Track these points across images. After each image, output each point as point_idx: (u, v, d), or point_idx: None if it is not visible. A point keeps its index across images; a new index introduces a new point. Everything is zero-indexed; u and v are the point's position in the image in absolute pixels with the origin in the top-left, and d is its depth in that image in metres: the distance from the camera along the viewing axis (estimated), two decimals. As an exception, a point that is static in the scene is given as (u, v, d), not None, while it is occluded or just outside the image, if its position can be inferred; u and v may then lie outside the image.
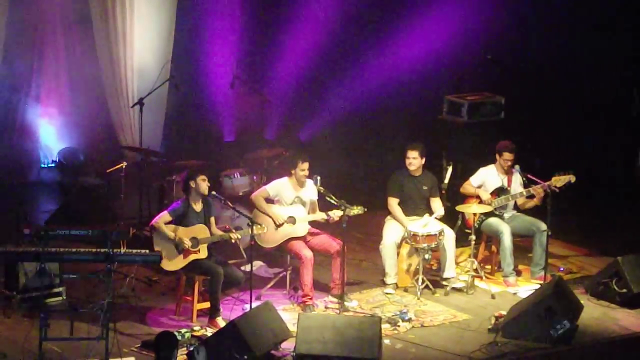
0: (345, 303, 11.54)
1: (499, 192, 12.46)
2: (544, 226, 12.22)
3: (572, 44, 15.27)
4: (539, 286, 11.71)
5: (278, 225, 11.67)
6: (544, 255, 12.27)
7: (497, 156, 12.50)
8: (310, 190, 11.89)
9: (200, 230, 11.16)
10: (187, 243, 11.00)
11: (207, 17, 15.30)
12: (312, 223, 11.90)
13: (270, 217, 11.70)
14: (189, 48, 15.18)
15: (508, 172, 12.52)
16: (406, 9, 15.71)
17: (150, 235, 11.16)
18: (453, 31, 15.47)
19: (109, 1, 14.34)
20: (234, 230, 11.42)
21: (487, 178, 12.53)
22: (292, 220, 11.74)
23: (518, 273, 12.55)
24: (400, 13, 15.75)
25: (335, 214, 11.67)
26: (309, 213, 11.87)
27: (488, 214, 12.37)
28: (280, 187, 11.86)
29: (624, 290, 11.76)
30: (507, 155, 12.41)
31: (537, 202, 12.38)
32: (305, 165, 11.75)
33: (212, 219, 11.35)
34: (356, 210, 11.69)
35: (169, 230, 11.03)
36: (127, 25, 14.49)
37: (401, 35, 15.71)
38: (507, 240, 12.25)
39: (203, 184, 11.16)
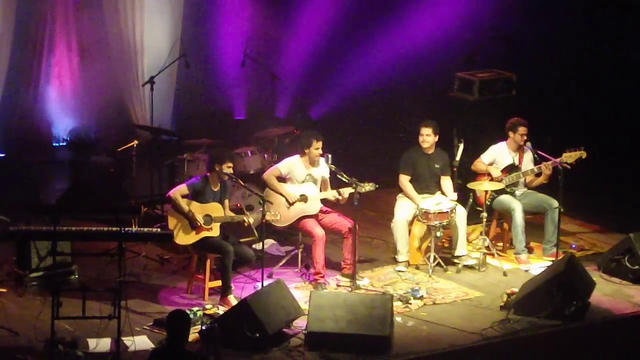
0: (357, 281, 11.54)
1: (510, 169, 12.44)
2: (555, 203, 12.20)
3: (583, 18, 15.18)
4: (551, 263, 11.68)
5: (290, 204, 11.66)
6: (555, 232, 12.25)
7: (512, 133, 12.45)
8: (322, 168, 11.88)
9: (214, 208, 11.16)
10: (200, 220, 11.01)
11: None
12: (324, 202, 11.89)
13: (282, 196, 11.68)
14: (199, 26, 15.14)
15: (519, 149, 12.48)
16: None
17: (165, 209, 11.15)
18: (464, 7, 15.39)
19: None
20: (246, 212, 11.41)
21: (498, 155, 12.51)
22: (304, 198, 11.73)
23: (530, 250, 12.54)
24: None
25: (346, 192, 11.66)
26: (320, 191, 11.86)
27: (499, 192, 12.35)
28: (292, 165, 11.85)
29: (636, 267, 11.75)
30: (523, 130, 12.39)
31: (544, 180, 12.36)
32: (320, 144, 11.75)
33: (227, 202, 11.35)
34: (368, 187, 11.67)
35: (184, 204, 11.04)
36: (137, 3, 14.46)
37: (412, 12, 15.64)
38: (518, 218, 12.23)
39: (228, 170, 11.16)
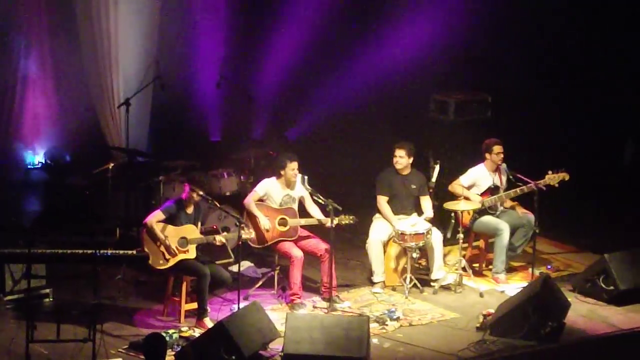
0: (337, 305, 11.54)
1: (493, 191, 12.46)
2: (530, 220, 12.27)
3: (559, 40, 15.29)
4: (527, 284, 11.71)
5: (265, 230, 11.67)
6: (521, 247, 12.40)
7: (487, 154, 12.48)
8: (299, 188, 11.89)
9: (189, 230, 11.15)
10: (174, 250, 10.99)
11: (192, 16, 15.24)
12: (304, 225, 11.90)
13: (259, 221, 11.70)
14: (174, 48, 15.11)
15: (498, 170, 12.51)
16: (391, 7, 15.69)
17: (141, 233, 11.13)
18: (438, 29, 15.45)
19: (93, 2, 14.28)
20: (220, 231, 11.40)
21: (478, 179, 12.49)
22: (283, 222, 11.73)
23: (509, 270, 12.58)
24: (385, 12, 15.74)
25: (328, 222, 11.58)
26: (306, 206, 11.84)
27: (481, 213, 12.38)
28: (269, 186, 11.85)
29: (611, 288, 11.78)
30: (498, 148, 12.43)
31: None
32: (294, 164, 11.76)
33: (199, 225, 11.34)
34: (346, 220, 11.69)
35: (158, 230, 11.01)
36: (112, 25, 14.43)
37: (387, 34, 15.70)
38: (505, 238, 12.27)
39: (195, 195, 11.16)
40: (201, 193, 11.12)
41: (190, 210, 11.23)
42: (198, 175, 11.57)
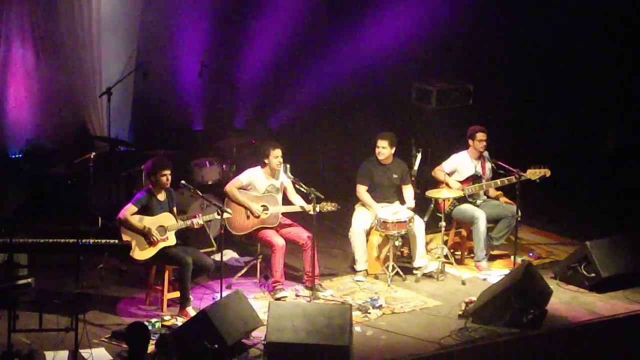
0: (320, 293, 11.56)
1: (474, 179, 12.49)
2: (514, 210, 12.30)
3: (540, 28, 15.31)
4: (509, 272, 11.75)
5: (256, 217, 11.66)
6: (504, 237, 12.41)
7: (470, 141, 12.51)
8: (283, 176, 11.89)
9: (166, 218, 11.14)
10: (155, 234, 10.97)
11: (174, 4, 15.20)
12: (284, 213, 11.89)
13: (246, 208, 11.66)
14: (156, 36, 15.06)
15: (481, 158, 12.53)
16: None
17: (118, 228, 11.11)
18: (421, 17, 15.45)
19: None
20: (198, 214, 11.38)
21: (459, 165, 12.54)
22: (265, 209, 11.73)
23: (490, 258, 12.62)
24: (367, 0, 15.74)
25: (309, 208, 11.59)
26: (288, 196, 11.83)
27: (460, 200, 12.41)
28: (253, 176, 11.84)
29: (593, 275, 11.83)
30: (481, 136, 12.45)
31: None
32: (278, 152, 11.76)
33: (175, 210, 11.32)
34: (329, 207, 11.70)
35: (136, 222, 10.99)
36: (94, 13, 14.39)
37: (369, 22, 15.68)
38: (482, 226, 12.30)
39: (162, 178, 11.12)
40: (166, 173, 11.04)
41: (162, 197, 11.20)
42: (156, 159, 11.45)
